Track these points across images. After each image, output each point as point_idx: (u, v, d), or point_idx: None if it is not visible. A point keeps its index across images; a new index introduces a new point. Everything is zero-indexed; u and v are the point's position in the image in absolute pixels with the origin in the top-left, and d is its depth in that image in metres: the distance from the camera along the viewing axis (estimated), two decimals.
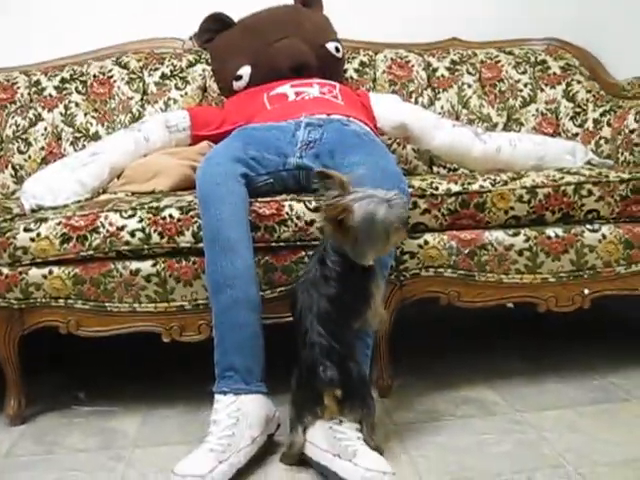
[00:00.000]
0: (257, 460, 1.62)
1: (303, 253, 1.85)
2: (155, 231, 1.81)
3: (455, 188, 1.90)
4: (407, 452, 1.65)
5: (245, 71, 2.39)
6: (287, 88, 2.25)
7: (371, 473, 1.46)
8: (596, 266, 1.95)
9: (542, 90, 2.70)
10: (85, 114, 2.58)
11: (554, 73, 2.73)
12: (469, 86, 2.71)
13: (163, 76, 2.64)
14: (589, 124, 2.56)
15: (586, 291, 1.97)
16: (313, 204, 1.83)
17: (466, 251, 1.90)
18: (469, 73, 2.73)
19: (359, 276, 1.59)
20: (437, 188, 1.90)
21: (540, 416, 1.82)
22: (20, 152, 2.53)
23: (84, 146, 2.48)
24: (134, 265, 1.83)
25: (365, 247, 1.55)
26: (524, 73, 2.73)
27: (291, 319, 1.67)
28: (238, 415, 1.59)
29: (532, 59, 2.76)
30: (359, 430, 1.57)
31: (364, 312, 1.60)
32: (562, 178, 1.94)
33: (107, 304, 1.85)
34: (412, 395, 1.98)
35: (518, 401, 1.92)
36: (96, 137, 2.53)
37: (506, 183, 1.92)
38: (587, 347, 2.25)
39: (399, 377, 2.00)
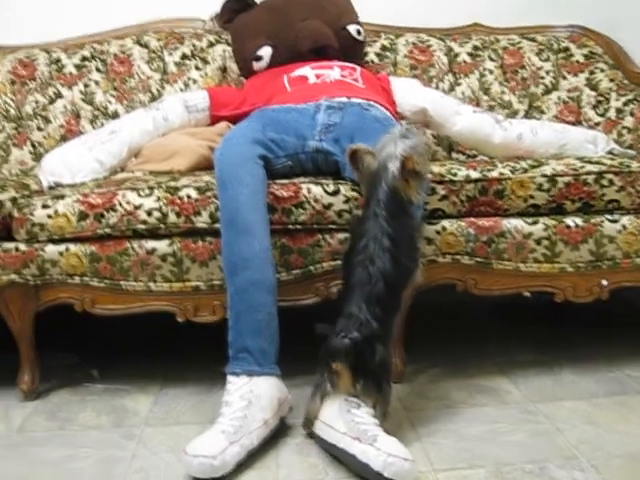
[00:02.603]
0: (269, 442, 1.61)
1: (319, 236, 1.84)
2: (172, 211, 1.81)
3: (474, 175, 1.89)
4: (419, 439, 1.65)
5: (265, 52, 2.37)
6: (307, 70, 2.24)
7: (393, 459, 1.44)
8: (615, 257, 1.94)
9: (564, 78, 2.67)
10: (104, 92, 2.58)
11: (577, 61, 2.70)
12: (490, 72, 2.68)
13: (183, 56, 2.63)
14: (611, 113, 2.54)
15: (604, 282, 1.95)
16: (331, 187, 1.82)
17: (484, 238, 1.89)
18: (491, 59, 2.70)
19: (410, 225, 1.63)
20: (456, 174, 1.88)
21: (554, 407, 1.81)
22: (39, 129, 2.53)
23: (103, 124, 2.47)
24: (150, 244, 1.83)
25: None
26: (546, 60, 2.70)
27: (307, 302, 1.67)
28: (250, 397, 1.59)
29: (555, 46, 2.73)
30: (375, 416, 1.57)
31: (416, 269, 1.64)
32: (583, 167, 1.92)
33: (122, 282, 1.85)
34: (425, 382, 1.97)
35: (532, 391, 1.91)
36: (115, 116, 2.53)
37: (526, 171, 1.90)
38: (604, 338, 2.23)
39: (413, 363, 1.99)
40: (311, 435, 1.65)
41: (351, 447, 1.50)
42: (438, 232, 1.88)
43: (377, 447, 1.47)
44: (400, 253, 1.57)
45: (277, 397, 1.64)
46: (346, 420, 1.55)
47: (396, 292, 1.60)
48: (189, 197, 1.81)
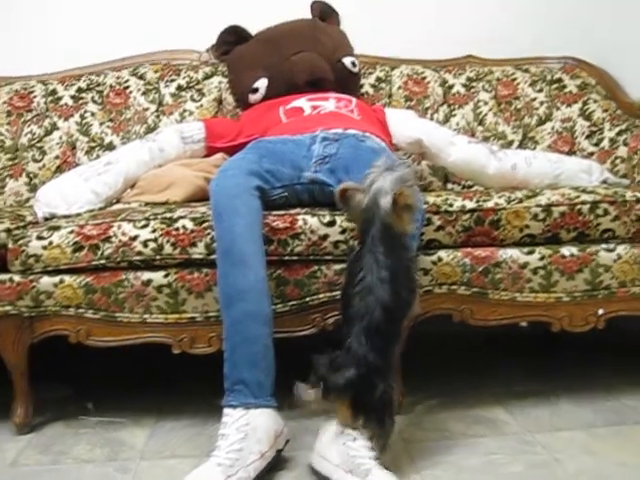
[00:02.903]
0: (266, 475, 1.60)
1: (316, 267, 1.84)
2: (168, 242, 1.80)
3: (470, 205, 1.89)
4: (418, 471, 1.64)
5: (261, 84, 2.39)
6: (303, 102, 2.25)
7: None
8: (611, 286, 1.94)
9: (558, 108, 2.69)
10: (100, 124, 2.59)
11: (570, 92, 2.72)
12: (485, 103, 2.70)
13: (179, 87, 2.65)
14: (605, 143, 2.55)
15: (600, 311, 1.95)
16: (327, 218, 1.83)
17: (480, 269, 1.89)
18: (485, 90, 2.72)
19: (406, 257, 1.62)
20: (452, 205, 1.89)
21: (552, 437, 1.80)
22: (35, 160, 2.54)
23: (99, 156, 2.48)
24: (146, 275, 1.83)
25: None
26: (540, 91, 2.72)
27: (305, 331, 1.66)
28: (247, 429, 1.58)
29: (548, 77, 2.75)
30: (372, 449, 1.55)
31: (414, 301, 1.62)
32: (578, 197, 1.93)
33: (117, 314, 1.85)
34: (423, 413, 1.96)
35: (530, 421, 1.90)
36: (111, 147, 2.54)
37: (521, 201, 1.91)
38: (600, 368, 2.23)
39: (410, 394, 1.98)
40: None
41: None
42: (434, 262, 1.88)
43: None
44: (398, 284, 1.56)
45: (274, 429, 1.63)
46: (340, 452, 1.54)
47: (395, 323, 1.59)
48: (185, 228, 1.81)
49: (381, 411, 1.56)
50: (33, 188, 2.45)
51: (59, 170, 2.51)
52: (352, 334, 1.53)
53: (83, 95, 2.63)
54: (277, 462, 1.65)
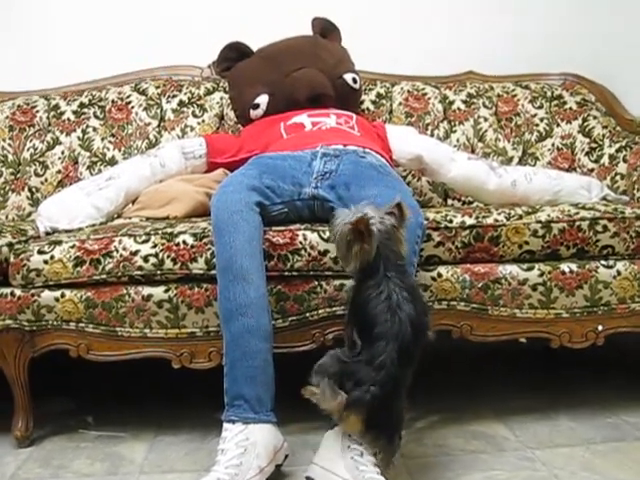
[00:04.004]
0: None
1: (316, 283, 1.85)
2: (168, 257, 1.81)
3: (469, 221, 1.90)
4: None
5: (262, 100, 2.40)
6: (304, 118, 2.26)
7: None
8: (610, 302, 1.94)
9: (558, 125, 2.70)
10: (102, 139, 2.60)
11: (570, 108, 2.73)
12: (485, 119, 2.71)
13: (181, 103, 2.67)
14: (605, 160, 2.56)
15: (600, 327, 1.95)
16: (327, 234, 1.83)
17: (479, 285, 1.89)
18: (485, 106, 2.74)
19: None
20: (451, 221, 1.90)
21: (552, 453, 1.80)
22: (37, 175, 2.55)
23: (100, 171, 2.50)
24: (146, 290, 1.83)
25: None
26: (540, 108, 2.73)
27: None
28: (246, 445, 1.58)
29: (548, 94, 2.77)
30: (376, 465, 1.55)
31: (430, 325, 1.59)
32: (577, 213, 1.93)
33: (118, 329, 1.85)
34: (422, 429, 1.96)
35: (529, 437, 1.90)
36: (112, 162, 2.55)
37: (521, 217, 1.92)
38: (600, 384, 2.23)
39: (409, 410, 1.97)
40: None
41: None
42: (434, 278, 1.88)
43: None
44: (417, 305, 1.55)
45: (273, 444, 1.63)
46: (349, 466, 1.54)
47: (418, 343, 1.53)
48: (185, 243, 1.81)
49: (393, 429, 1.55)
50: (35, 202, 2.47)
51: (61, 185, 2.52)
52: (385, 352, 1.48)
53: (85, 110, 2.65)
54: (276, 477, 1.65)
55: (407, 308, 1.51)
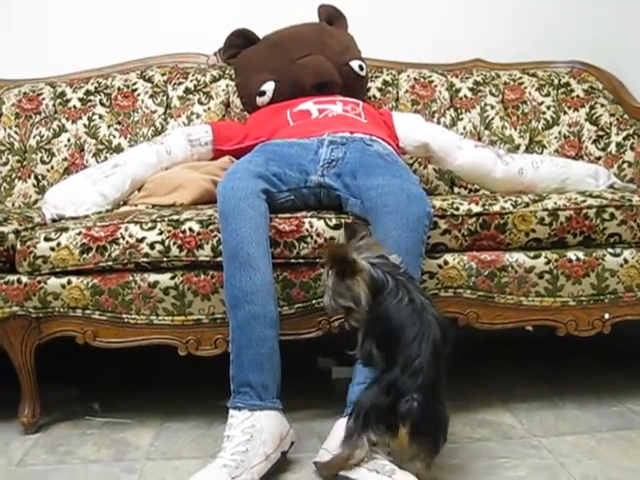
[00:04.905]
0: (270, 477, 1.60)
1: (322, 270, 1.84)
2: (174, 244, 1.81)
3: (476, 209, 1.89)
4: None
5: (269, 87, 2.39)
6: (310, 105, 2.26)
7: None
8: (617, 291, 1.94)
9: (565, 113, 2.69)
10: (108, 126, 2.60)
11: (577, 96, 2.72)
12: (492, 107, 2.70)
13: (187, 90, 2.66)
14: (612, 147, 2.55)
15: (606, 316, 1.95)
16: (333, 221, 1.83)
17: (486, 272, 1.89)
18: (492, 94, 2.72)
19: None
20: (458, 208, 1.89)
21: (558, 441, 1.80)
22: (43, 162, 2.55)
23: (106, 158, 2.50)
24: (152, 277, 1.83)
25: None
26: (547, 95, 2.72)
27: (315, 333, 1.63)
28: (252, 431, 1.58)
29: (555, 81, 2.75)
30: (389, 453, 1.54)
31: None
32: (584, 201, 1.93)
33: (124, 315, 1.85)
34: None
35: (536, 425, 1.89)
36: (118, 149, 2.55)
37: (527, 205, 1.91)
38: (607, 373, 2.22)
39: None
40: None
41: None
42: (440, 266, 1.88)
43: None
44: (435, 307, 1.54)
45: (279, 431, 1.63)
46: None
47: (447, 343, 1.52)
48: (192, 230, 1.81)
49: (438, 432, 1.52)
50: (41, 190, 2.47)
51: (67, 172, 2.53)
52: (421, 356, 1.46)
53: (91, 98, 2.64)
54: (282, 464, 1.65)
55: (431, 309, 1.50)
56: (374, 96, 2.69)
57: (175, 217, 1.85)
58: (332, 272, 1.54)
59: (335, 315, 1.59)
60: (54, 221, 1.97)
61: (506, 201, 1.92)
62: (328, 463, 1.57)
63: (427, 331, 1.47)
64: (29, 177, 2.53)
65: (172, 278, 1.83)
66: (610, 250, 1.93)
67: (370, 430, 1.50)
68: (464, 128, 2.66)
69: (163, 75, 2.69)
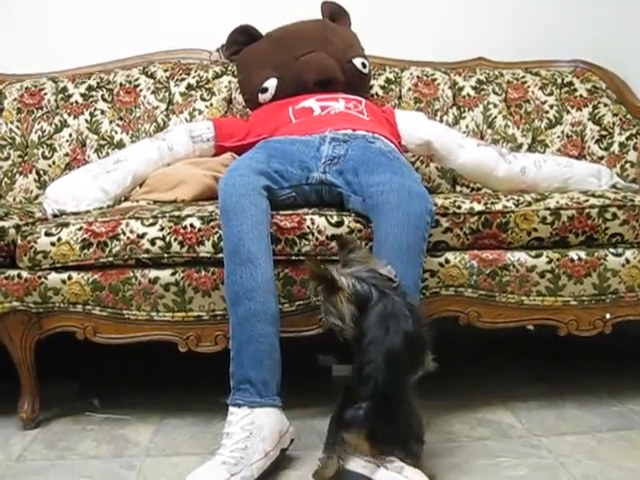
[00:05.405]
0: (270, 474, 1.60)
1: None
2: (175, 240, 1.81)
3: (478, 207, 1.89)
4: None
5: (271, 84, 2.39)
6: (313, 102, 2.25)
7: None
8: (619, 291, 1.93)
9: (568, 112, 2.69)
10: (110, 122, 2.60)
11: (580, 95, 2.71)
12: (495, 106, 2.70)
13: (189, 87, 2.66)
14: (615, 147, 2.55)
15: (608, 316, 1.95)
16: (335, 219, 1.83)
17: (487, 271, 1.89)
18: (495, 93, 2.72)
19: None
20: (460, 207, 1.89)
21: (558, 441, 1.79)
22: (44, 157, 2.55)
23: (108, 154, 2.50)
24: (153, 273, 1.83)
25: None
26: (550, 95, 2.71)
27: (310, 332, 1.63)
28: (252, 428, 1.58)
29: (559, 81, 2.75)
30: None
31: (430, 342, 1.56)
32: (586, 201, 1.92)
33: (125, 311, 1.85)
34: (428, 415, 1.95)
35: (535, 424, 1.89)
36: (120, 145, 2.55)
37: (530, 204, 1.91)
38: (607, 372, 2.22)
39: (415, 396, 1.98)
40: None
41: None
42: (441, 264, 1.88)
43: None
44: (417, 320, 1.52)
45: (278, 429, 1.63)
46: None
47: (414, 358, 1.52)
48: (193, 227, 1.81)
49: (404, 436, 1.51)
50: (42, 185, 2.47)
51: (68, 167, 2.52)
52: (372, 360, 1.46)
53: (93, 93, 2.64)
54: (281, 461, 1.65)
55: (402, 320, 1.48)
56: (377, 94, 2.69)
57: (176, 213, 1.84)
58: (319, 290, 1.55)
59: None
60: (55, 216, 1.97)
61: (508, 200, 1.91)
62: (316, 473, 1.57)
63: (383, 335, 1.47)
64: (30, 172, 2.53)
65: (173, 274, 1.83)
66: (612, 250, 1.93)
67: (333, 439, 1.52)
68: (467, 126, 2.65)
69: (165, 71, 2.69)
